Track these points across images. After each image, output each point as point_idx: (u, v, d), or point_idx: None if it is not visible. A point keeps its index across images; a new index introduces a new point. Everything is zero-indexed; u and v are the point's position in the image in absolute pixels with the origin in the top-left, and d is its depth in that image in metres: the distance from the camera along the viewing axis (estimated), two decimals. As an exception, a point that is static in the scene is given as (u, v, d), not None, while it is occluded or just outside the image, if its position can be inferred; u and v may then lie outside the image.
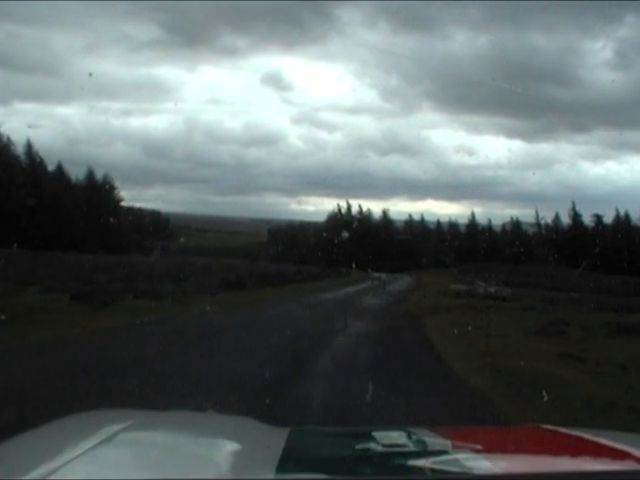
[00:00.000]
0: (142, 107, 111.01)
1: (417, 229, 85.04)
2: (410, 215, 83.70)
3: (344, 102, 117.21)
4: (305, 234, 78.83)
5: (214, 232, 79.75)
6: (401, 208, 73.52)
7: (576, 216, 77.39)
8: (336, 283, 38.00)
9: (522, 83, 77.94)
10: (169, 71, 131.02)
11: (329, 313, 19.50)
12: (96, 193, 56.79)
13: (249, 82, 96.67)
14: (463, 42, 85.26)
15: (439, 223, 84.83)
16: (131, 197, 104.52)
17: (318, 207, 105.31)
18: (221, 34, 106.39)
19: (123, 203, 61.45)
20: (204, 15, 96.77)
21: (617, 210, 69.10)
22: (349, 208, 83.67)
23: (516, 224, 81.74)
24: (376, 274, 37.70)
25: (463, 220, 78.14)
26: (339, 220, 79.40)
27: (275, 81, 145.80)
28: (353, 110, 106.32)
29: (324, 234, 74.01)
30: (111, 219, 55.08)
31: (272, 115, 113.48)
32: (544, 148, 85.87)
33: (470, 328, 13.97)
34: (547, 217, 73.21)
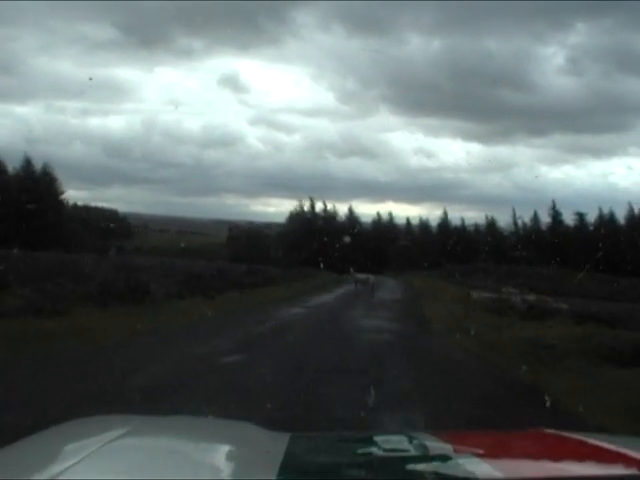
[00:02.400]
0: (100, 107, 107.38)
1: (385, 229, 76.20)
2: (378, 213, 76.09)
3: (301, 104, 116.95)
4: (266, 234, 71.81)
5: (173, 232, 76.44)
6: (362, 210, 68.09)
7: (556, 215, 69.32)
8: (304, 289, 26.91)
9: (477, 87, 78.40)
10: (126, 72, 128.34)
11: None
12: (34, 185, 48.37)
13: (206, 84, 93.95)
14: (418, 46, 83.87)
15: (409, 222, 76.13)
16: (91, 197, 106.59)
17: (279, 208, 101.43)
18: (177, 36, 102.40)
19: (80, 202, 57.91)
20: (159, 16, 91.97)
21: (600, 209, 62.55)
22: (312, 206, 74.44)
23: (491, 224, 73.24)
24: (361, 275, 26.85)
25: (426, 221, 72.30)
26: (302, 218, 71.55)
27: (232, 83, 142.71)
28: (311, 112, 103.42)
29: (288, 232, 67.67)
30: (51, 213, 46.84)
31: (230, 116, 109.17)
32: (502, 151, 78.39)
33: None
34: (507, 218, 67.46)
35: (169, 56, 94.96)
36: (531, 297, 21.87)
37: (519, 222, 70.85)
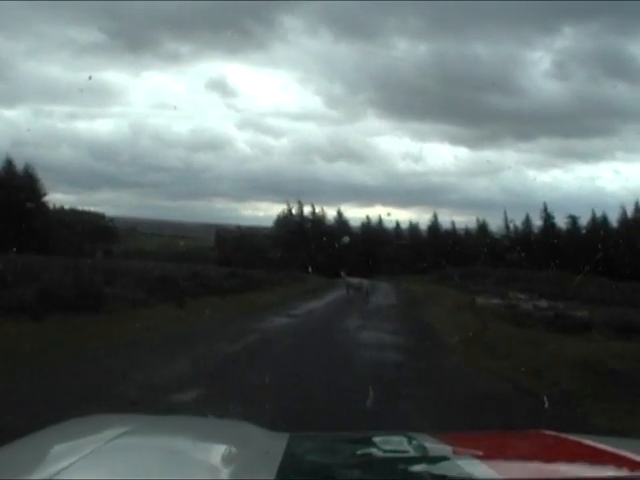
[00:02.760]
0: (88, 111, 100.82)
1: (375, 232, 74.19)
2: (368, 217, 72.82)
3: (289, 108, 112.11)
4: (255, 237, 68.68)
5: (162, 236, 75.27)
6: (350, 214, 66.58)
7: (548, 218, 67.66)
8: (291, 294, 24.36)
9: (464, 91, 76.96)
10: (114, 75, 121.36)
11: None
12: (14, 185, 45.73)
13: (194, 88, 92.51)
14: (405, 50, 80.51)
15: (398, 225, 74.11)
16: (80, 201, 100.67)
17: (268, 212, 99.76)
18: (164, 40, 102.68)
19: (69, 206, 55.88)
20: (146, 21, 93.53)
21: (593, 212, 60.59)
22: (301, 208, 72.47)
23: (483, 227, 71.30)
24: (354, 280, 24.28)
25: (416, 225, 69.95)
26: (290, 221, 69.38)
27: (219, 87, 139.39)
28: (298, 116, 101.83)
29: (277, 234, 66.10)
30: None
31: (218, 120, 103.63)
32: (489, 155, 79.19)
33: None
34: (496, 222, 65.36)
35: (156, 60, 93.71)
36: (542, 303, 19.56)
37: (511, 225, 68.93)
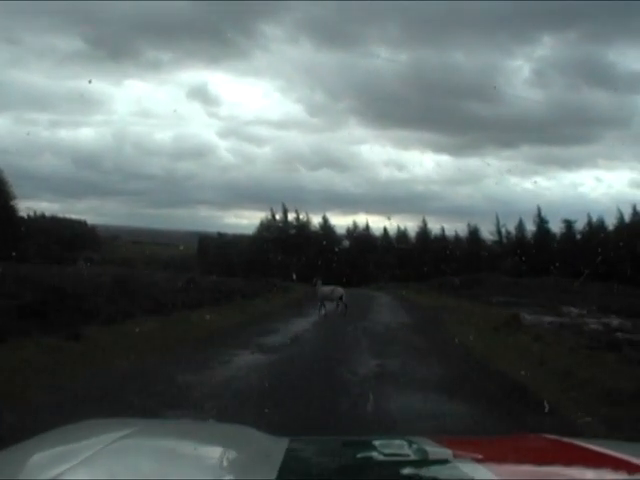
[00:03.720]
0: (71, 119, 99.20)
1: (363, 239, 68.81)
2: (354, 222, 67.39)
3: (271, 117, 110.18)
4: (237, 245, 64.35)
5: (145, 244, 73.17)
6: (334, 222, 63.40)
7: (542, 222, 63.05)
8: (268, 310, 18.31)
9: (446, 99, 74.38)
10: (96, 84, 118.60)
11: None
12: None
13: (176, 96, 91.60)
14: (386, 59, 76.05)
15: (386, 232, 68.71)
16: (64, 209, 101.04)
17: (251, 221, 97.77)
18: (145, 48, 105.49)
19: (52, 214, 53.55)
20: (126, 29, 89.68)
21: (589, 216, 56.30)
22: (285, 214, 67.11)
23: (474, 232, 66.18)
24: (326, 288, 17.91)
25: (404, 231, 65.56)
26: (273, 226, 64.26)
27: (201, 95, 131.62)
28: (281, 125, 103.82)
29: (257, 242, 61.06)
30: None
31: (200, 129, 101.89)
32: (472, 163, 77.72)
33: None
34: (485, 228, 60.68)
35: (138, 69, 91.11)
36: (613, 320, 14.00)
37: (503, 230, 64.09)
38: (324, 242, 66.95)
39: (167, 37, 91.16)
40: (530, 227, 59.28)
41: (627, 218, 52.15)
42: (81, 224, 64.74)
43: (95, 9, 63.82)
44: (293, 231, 67.55)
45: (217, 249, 63.98)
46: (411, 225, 64.75)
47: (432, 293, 30.09)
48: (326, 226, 68.89)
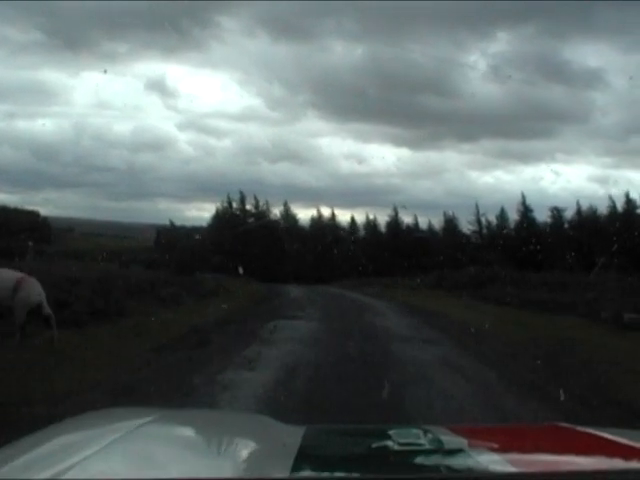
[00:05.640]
0: (28, 110, 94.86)
1: (328, 230, 60.37)
2: (318, 210, 58.99)
3: (230, 109, 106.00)
4: (191, 237, 55.59)
5: (103, 236, 71.75)
6: (297, 215, 62.37)
7: (527, 211, 56.37)
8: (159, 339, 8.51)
9: (403, 93, 73.12)
10: (53, 75, 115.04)
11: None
12: None
13: (133, 88, 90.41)
14: (342, 52, 77.17)
15: (353, 221, 60.01)
16: (23, 201, 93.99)
17: (213, 213, 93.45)
18: (100, 39, 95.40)
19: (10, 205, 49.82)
20: (81, 19, 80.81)
21: (578, 204, 51.06)
22: (242, 201, 58.33)
23: (449, 221, 58.56)
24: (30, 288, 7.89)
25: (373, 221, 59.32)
26: (229, 215, 56.85)
27: (159, 87, 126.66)
28: (240, 117, 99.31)
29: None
30: None
31: (159, 121, 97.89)
32: (431, 157, 77.36)
33: None
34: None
35: (95, 60, 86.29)
36: None
37: (483, 220, 57.14)
38: (286, 230, 58.06)
39: (121, 28, 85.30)
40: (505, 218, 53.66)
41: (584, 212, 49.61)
42: (33, 215, 59.95)
43: (49, -1, 63.87)
44: (251, 220, 59.08)
45: (171, 242, 58.24)
46: (372, 218, 57.70)
47: (436, 295, 20.77)
48: (288, 215, 60.32)
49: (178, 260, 36.10)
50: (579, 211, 53.39)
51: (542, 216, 52.73)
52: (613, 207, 48.84)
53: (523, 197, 52.67)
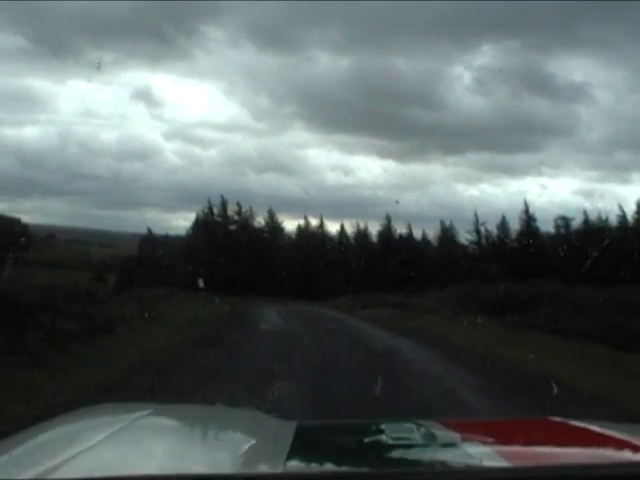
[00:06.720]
0: (14, 118, 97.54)
1: (316, 240, 55.02)
2: (306, 217, 53.78)
3: (216, 119, 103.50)
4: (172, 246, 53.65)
5: (86, 244, 67.61)
6: (281, 223, 60.15)
7: (530, 220, 51.78)
8: None
9: (389, 105, 72.49)
10: (39, 83, 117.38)
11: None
12: None
13: (119, 97, 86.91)
14: (327, 64, 77.60)
15: (343, 229, 54.33)
16: (10, 208, 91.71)
17: (193, 221, 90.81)
18: (86, 48, 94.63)
19: None
20: (67, 28, 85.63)
21: (585, 213, 46.91)
22: (224, 207, 52.81)
23: (446, 231, 53.73)
24: None
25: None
26: (210, 222, 51.35)
27: (145, 97, 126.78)
28: (226, 127, 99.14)
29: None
30: None
31: (145, 130, 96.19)
32: (417, 169, 76.00)
33: None
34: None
35: (81, 68, 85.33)
36: None
37: (482, 229, 52.38)
38: (270, 240, 52.33)
39: (107, 37, 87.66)
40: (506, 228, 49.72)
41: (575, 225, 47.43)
42: (13, 222, 54.03)
43: (35, 7, 60.05)
44: (234, 227, 53.48)
45: (152, 251, 53.20)
46: (370, 229, 53.96)
47: (471, 325, 14.96)
48: (273, 223, 54.86)
49: (119, 274, 31.94)
50: (586, 221, 48.78)
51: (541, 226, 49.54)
52: (623, 217, 45.04)
53: (526, 205, 48.37)
